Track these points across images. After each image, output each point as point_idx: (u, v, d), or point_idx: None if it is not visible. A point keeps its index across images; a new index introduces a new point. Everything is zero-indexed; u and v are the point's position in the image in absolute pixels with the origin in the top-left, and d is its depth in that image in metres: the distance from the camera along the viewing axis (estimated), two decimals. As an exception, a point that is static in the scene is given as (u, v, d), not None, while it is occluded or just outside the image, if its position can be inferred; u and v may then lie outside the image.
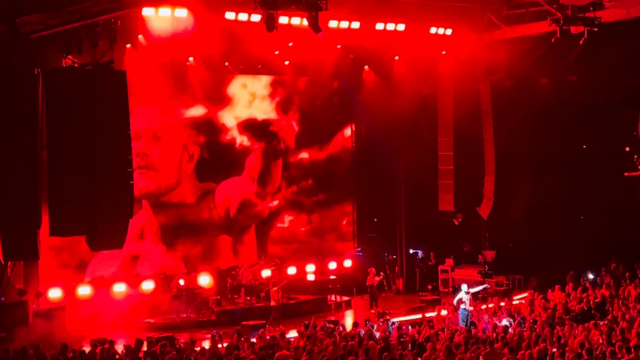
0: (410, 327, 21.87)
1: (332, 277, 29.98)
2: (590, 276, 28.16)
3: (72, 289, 24.70)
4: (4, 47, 21.24)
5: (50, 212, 21.49)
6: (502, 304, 25.10)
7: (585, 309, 23.30)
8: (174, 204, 28.16)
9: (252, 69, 29.06)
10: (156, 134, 27.67)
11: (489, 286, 25.50)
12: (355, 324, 21.92)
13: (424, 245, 32.24)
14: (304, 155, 31.14)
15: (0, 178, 21.13)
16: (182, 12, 22.37)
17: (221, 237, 29.28)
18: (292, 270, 29.02)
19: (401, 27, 26.19)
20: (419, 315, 24.62)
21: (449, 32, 27.15)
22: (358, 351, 17.13)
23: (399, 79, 30.18)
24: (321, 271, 30.18)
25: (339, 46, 27.91)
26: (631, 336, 18.05)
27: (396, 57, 29.82)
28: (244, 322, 24.35)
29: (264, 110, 30.18)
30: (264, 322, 24.33)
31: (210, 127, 28.88)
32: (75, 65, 22.10)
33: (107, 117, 21.58)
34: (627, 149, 31.92)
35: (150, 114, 27.46)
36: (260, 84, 29.99)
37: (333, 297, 28.87)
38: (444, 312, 24.18)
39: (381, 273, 28.74)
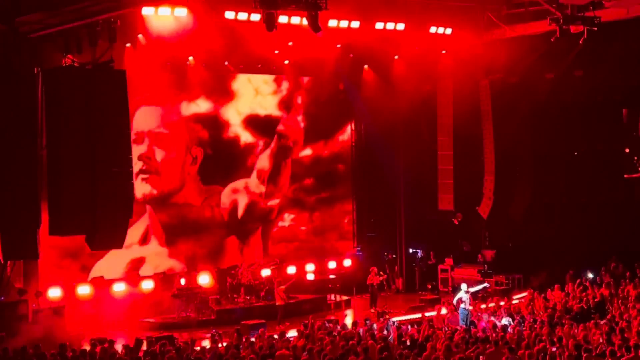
0: (409, 327, 21.86)
1: (331, 276, 29.97)
2: (590, 276, 28.16)
3: (72, 288, 24.70)
4: (3, 47, 21.28)
5: (50, 211, 21.49)
6: (502, 303, 25.09)
7: (585, 308, 23.31)
8: (178, 207, 28.13)
9: (252, 68, 29.06)
10: (159, 136, 27.62)
11: (489, 285, 25.51)
12: (354, 323, 21.93)
13: (423, 244, 32.24)
14: (304, 153, 31.12)
15: (0, 177, 21.14)
16: (181, 12, 22.36)
17: (228, 238, 29.28)
18: (291, 270, 29.02)
19: (401, 26, 26.19)
20: (419, 315, 24.60)
21: (448, 31, 27.14)
22: (357, 350, 17.14)
23: (398, 79, 30.20)
24: (321, 270, 30.18)
25: (338, 45, 27.92)
26: (631, 335, 18.06)
27: (396, 57, 29.81)
28: (243, 322, 24.34)
29: (267, 106, 30.19)
30: (263, 321, 24.33)
31: (213, 126, 28.83)
32: (75, 64, 22.09)
33: (107, 116, 21.56)
34: (627, 150, 31.93)
35: (152, 116, 27.46)
36: (262, 79, 29.97)
37: (333, 297, 28.87)
38: (443, 312, 24.19)
39: (381, 273, 28.73)
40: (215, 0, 22.82)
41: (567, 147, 31.46)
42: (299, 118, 30.97)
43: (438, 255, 31.61)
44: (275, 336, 20.30)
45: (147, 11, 22.32)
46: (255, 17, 22.26)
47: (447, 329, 21.52)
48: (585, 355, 15.99)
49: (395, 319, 24.27)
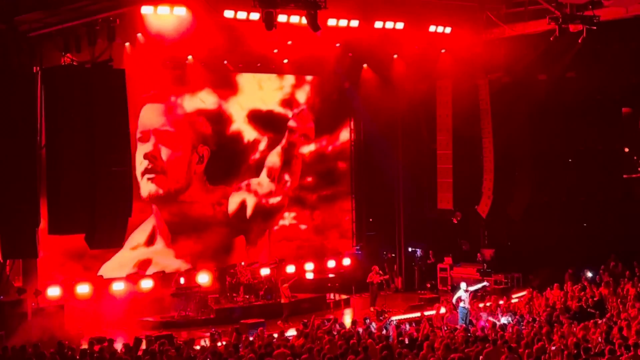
0: (408, 326, 21.86)
1: (330, 275, 29.98)
2: (589, 275, 28.16)
3: (71, 287, 24.71)
4: (2, 46, 21.29)
5: (49, 210, 21.51)
6: (501, 302, 25.10)
7: (585, 307, 23.32)
8: (184, 206, 28.18)
9: (251, 67, 29.06)
10: (165, 134, 27.65)
11: (488, 284, 25.53)
12: (353, 323, 21.93)
13: (422, 243, 32.23)
14: (304, 152, 31.16)
15: (-1, 176, 21.17)
16: (180, 11, 22.32)
17: (236, 238, 29.35)
18: (291, 269, 29.03)
19: (400, 25, 26.16)
20: (418, 314, 24.61)
21: (448, 30, 27.13)
22: (357, 349, 17.14)
23: (398, 77, 30.20)
24: (320, 269, 30.18)
25: (338, 44, 27.90)
26: (630, 334, 18.07)
27: (395, 56, 29.81)
28: (242, 321, 24.35)
29: (270, 103, 30.24)
30: (262, 320, 24.34)
31: (217, 122, 28.88)
32: (74, 63, 22.08)
33: (106, 115, 21.56)
34: (627, 149, 31.91)
35: (157, 113, 27.48)
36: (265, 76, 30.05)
37: (332, 296, 28.87)
38: (442, 311, 24.19)
39: (381, 272, 28.72)
40: (215, -1, 22.83)
41: (566, 146, 31.45)
42: (307, 115, 31.04)
43: (437, 254, 31.60)
44: (275, 335, 20.30)
45: (146, 10, 22.27)
46: (255, 16, 22.21)
47: (446, 328, 21.52)
48: (584, 354, 15.99)
49: (394, 318, 24.28)
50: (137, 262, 26.83)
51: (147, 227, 27.21)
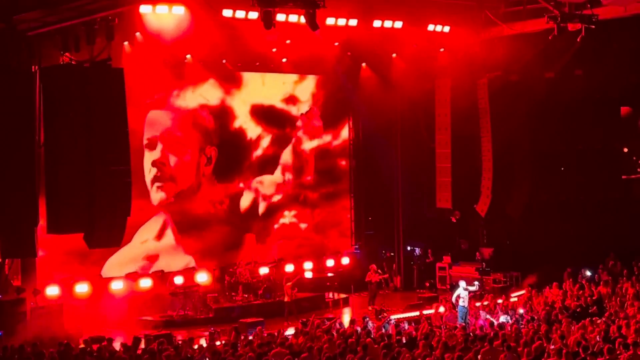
0: (407, 325, 21.86)
1: (329, 274, 29.98)
2: (588, 273, 28.15)
3: (70, 286, 24.70)
4: (1, 45, 21.26)
5: (48, 210, 21.50)
6: (500, 301, 25.10)
7: (584, 306, 23.33)
8: (194, 207, 28.35)
9: (250, 66, 29.05)
10: (171, 139, 27.79)
11: (478, 289, 25.36)
12: (352, 322, 21.93)
13: (421, 242, 32.24)
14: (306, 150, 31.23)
15: (-2, 175, 21.17)
16: (179, 10, 22.34)
17: (246, 235, 29.47)
18: (289, 268, 29.03)
19: (399, 24, 26.17)
20: (417, 313, 24.61)
21: (446, 29, 27.13)
22: (356, 348, 17.15)
23: (396, 76, 30.22)
24: (319, 268, 30.17)
25: (336, 43, 27.90)
26: (629, 333, 18.08)
27: (394, 55, 29.82)
28: (241, 320, 24.35)
29: (274, 99, 30.36)
30: (261, 319, 24.35)
31: (220, 118, 28.99)
32: (73, 62, 22.07)
33: (105, 114, 21.55)
34: (626, 149, 31.86)
35: (162, 120, 27.57)
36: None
37: (331, 295, 28.88)
38: (441, 310, 24.19)
39: (380, 271, 28.74)
40: (213, -2, 22.83)
41: (565, 144, 31.43)
42: (315, 113, 31.19)
43: (436, 253, 31.60)
44: (275, 334, 20.30)
45: (144, 9, 22.30)
46: (253, 15, 22.23)
47: (444, 327, 21.52)
48: (583, 353, 16.00)
49: (393, 316, 24.29)
50: (145, 256, 26.94)
51: (156, 224, 27.46)
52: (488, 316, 22.90)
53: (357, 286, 29.69)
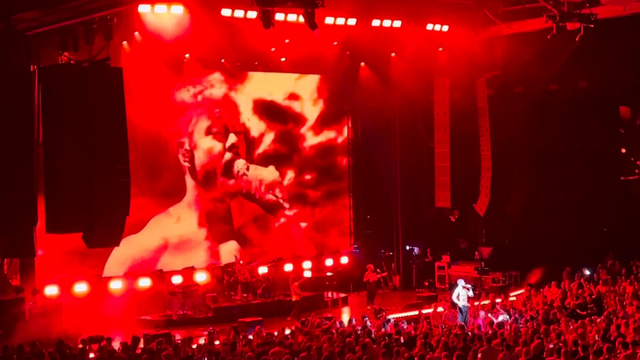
0: (406, 324, 21.86)
1: (328, 273, 29.98)
2: (587, 273, 28.15)
3: (69, 286, 24.70)
4: (0, 45, 21.21)
5: (47, 209, 21.48)
6: (498, 300, 25.10)
7: (583, 305, 23.33)
8: (217, 200, 28.88)
9: (249, 66, 29.05)
10: (194, 138, 28.32)
11: (473, 294, 25.33)
12: (351, 321, 21.93)
13: (420, 242, 32.26)
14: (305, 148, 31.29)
15: (-3, 175, 21.15)
16: (178, 9, 22.35)
17: (247, 234, 29.61)
18: (288, 267, 29.05)
19: (397, 23, 26.20)
20: (416, 312, 24.62)
21: (445, 28, 27.15)
22: (355, 348, 17.15)
23: (395, 76, 30.23)
24: (318, 268, 30.17)
25: (335, 43, 27.90)
26: (628, 332, 18.08)
27: (393, 54, 29.83)
28: (240, 319, 24.33)
29: (275, 96, 30.49)
30: (260, 318, 24.35)
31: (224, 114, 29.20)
32: (72, 62, 22.05)
33: (104, 114, 21.53)
34: (623, 150, 31.85)
35: (183, 122, 28.15)
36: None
37: (330, 294, 28.87)
38: (440, 309, 24.20)
39: (378, 270, 28.75)
40: (212, -3, 22.82)
41: (563, 143, 31.45)
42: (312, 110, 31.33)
43: (435, 252, 31.62)
44: (275, 333, 20.31)
45: (143, 9, 22.32)
46: (252, 14, 22.26)
47: (444, 326, 21.53)
48: (582, 352, 16.00)
49: (392, 316, 24.29)
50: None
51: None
52: (489, 314, 22.89)
53: (356, 285, 29.68)
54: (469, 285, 24.21)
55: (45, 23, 21.56)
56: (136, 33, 23.90)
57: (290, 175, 30.75)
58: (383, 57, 30.04)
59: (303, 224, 31.17)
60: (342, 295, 29.13)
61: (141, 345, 19.83)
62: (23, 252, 22.16)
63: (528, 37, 26.60)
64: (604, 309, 23.06)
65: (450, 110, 30.47)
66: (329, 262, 30.68)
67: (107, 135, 21.54)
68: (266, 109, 30.09)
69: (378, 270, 28.78)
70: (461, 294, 23.54)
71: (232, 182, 29.39)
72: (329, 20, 24.57)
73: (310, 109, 31.25)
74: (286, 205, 30.73)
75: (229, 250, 28.99)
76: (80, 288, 24.91)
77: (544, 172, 31.47)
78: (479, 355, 16.82)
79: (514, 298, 26.68)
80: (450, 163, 30.71)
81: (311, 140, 31.30)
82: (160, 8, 22.29)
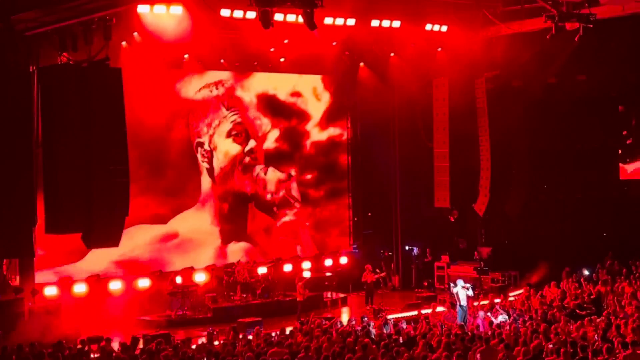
0: (405, 324, 21.86)
1: (327, 274, 29.97)
2: (586, 273, 28.14)
3: (68, 286, 24.69)
4: (-1, 45, 21.26)
5: (46, 210, 21.49)
6: (498, 300, 25.10)
7: (582, 305, 23.33)
8: (232, 197, 29.13)
9: (248, 66, 29.04)
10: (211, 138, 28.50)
11: (473, 294, 25.33)
12: (350, 321, 21.93)
13: (419, 242, 32.25)
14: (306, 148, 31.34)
15: (-4, 175, 21.14)
16: (177, 9, 22.34)
17: (249, 233, 29.66)
18: (287, 268, 29.05)
19: (396, 23, 26.19)
20: (415, 312, 24.61)
21: (444, 28, 27.15)
22: (354, 348, 17.15)
23: (394, 76, 30.27)
24: (317, 268, 30.16)
25: (334, 43, 27.90)
26: (627, 332, 18.09)
27: (392, 54, 29.84)
28: (240, 320, 24.33)
29: (279, 93, 30.52)
30: (259, 319, 24.35)
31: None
32: (71, 62, 22.06)
33: (103, 114, 21.54)
34: (620, 151, 31.77)
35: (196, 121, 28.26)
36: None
37: (329, 294, 28.87)
38: (439, 309, 24.19)
39: (377, 270, 28.74)
40: (211, -3, 22.82)
41: (562, 143, 31.46)
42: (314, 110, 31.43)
43: (434, 252, 31.61)
44: (273, 334, 20.30)
45: (142, 9, 22.30)
46: (251, 14, 22.26)
47: (443, 326, 21.52)
48: (581, 352, 16.00)
49: (391, 316, 24.28)
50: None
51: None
52: (489, 313, 22.89)
53: (355, 286, 29.67)
54: (468, 285, 24.20)
55: (45, 23, 21.56)
56: (135, 33, 23.89)
57: (294, 173, 30.77)
58: (382, 57, 30.05)
59: (305, 224, 31.13)
60: (342, 295, 29.13)
61: (140, 345, 19.82)
62: (22, 253, 22.16)
63: (527, 37, 26.61)
64: (603, 309, 23.06)
65: (450, 110, 30.45)
66: (328, 262, 30.67)
67: (106, 136, 21.54)
68: (270, 106, 30.09)
69: (377, 270, 28.78)
70: (460, 294, 23.52)
71: (249, 187, 29.52)
72: (328, 20, 24.56)
73: (312, 108, 31.23)
74: (297, 205, 30.76)
75: (237, 253, 29.02)
76: (79, 288, 24.90)
77: (543, 172, 31.48)
78: (478, 356, 16.84)
79: (513, 298, 26.67)
80: (450, 163, 30.69)
81: (313, 139, 31.26)
82: (160, 8, 22.27)
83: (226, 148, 28.93)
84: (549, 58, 28.40)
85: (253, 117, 29.64)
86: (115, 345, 19.60)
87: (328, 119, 31.65)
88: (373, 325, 21.14)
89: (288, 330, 20.92)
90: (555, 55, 27.93)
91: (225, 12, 23.08)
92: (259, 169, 29.75)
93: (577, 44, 23.89)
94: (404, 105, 31.36)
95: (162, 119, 27.25)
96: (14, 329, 21.60)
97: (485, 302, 24.96)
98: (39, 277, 24.25)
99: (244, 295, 27.26)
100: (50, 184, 21.40)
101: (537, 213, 31.42)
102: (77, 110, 21.30)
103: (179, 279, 26.54)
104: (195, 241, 28.12)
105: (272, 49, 27.80)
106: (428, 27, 26.89)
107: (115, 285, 25.65)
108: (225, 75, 28.82)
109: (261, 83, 29.77)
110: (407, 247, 32.35)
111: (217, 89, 28.70)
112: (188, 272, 27.17)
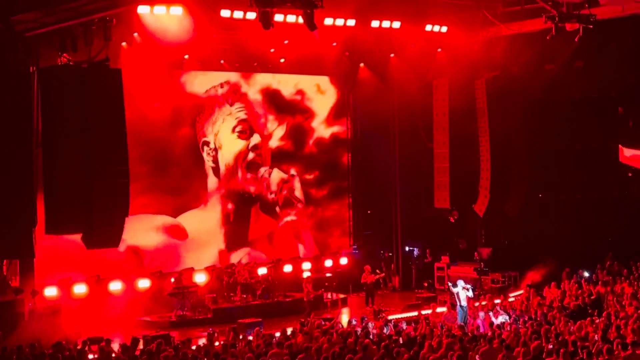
0: (405, 325, 21.87)
1: (327, 274, 29.97)
2: (586, 274, 28.12)
3: (68, 287, 24.68)
4: (-1, 46, 21.27)
5: (46, 210, 21.51)
6: (498, 301, 25.09)
7: (582, 305, 23.33)
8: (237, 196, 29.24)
9: (248, 67, 29.04)
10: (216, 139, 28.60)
11: (473, 295, 25.35)
12: (350, 322, 21.92)
13: (419, 242, 32.25)
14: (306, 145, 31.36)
15: (-4, 176, 21.15)
16: (177, 10, 22.34)
17: (251, 233, 29.65)
18: (288, 268, 29.05)
19: (396, 24, 26.20)
20: (415, 313, 24.61)
21: (444, 29, 27.15)
22: (354, 349, 17.14)
23: (394, 76, 30.28)
24: (317, 268, 30.16)
25: (334, 44, 27.92)
26: (627, 333, 18.09)
27: (392, 55, 29.84)
28: (240, 320, 24.32)
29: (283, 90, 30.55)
30: (259, 319, 24.34)
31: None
32: (71, 63, 22.07)
33: (103, 115, 21.58)
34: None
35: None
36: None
37: (329, 295, 28.86)
38: (439, 310, 24.19)
39: (377, 271, 28.73)
40: (211, -2, 22.84)
41: (562, 143, 31.45)
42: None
43: (434, 253, 31.60)
44: (276, 334, 20.30)
45: (142, 10, 22.29)
46: (251, 15, 22.27)
47: (444, 327, 21.51)
48: (581, 352, 16.01)
49: (391, 317, 24.28)
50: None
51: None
52: (490, 313, 22.89)
53: (355, 286, 29.67)
54: (468, 286, 24.20)
55: (45, 24, 21.57)
56: (135, 34, 23.91)
57: (294, 173, 30.78)
58: (382, 58, 30.06)
59: (307, 224, 31.14)
60: (342, 296, 29.12)
61: (140, 346, 19.82)
62: (22, 253, 22.16)
63: (527, 37, 26.62)
64: (603, 309, 23.06)
65: (450, 110, 30.44)
66: (328, 263, 30.66)
67: (106, 136, 21.58)
68: (275, 103, 30.13)
69: (377, 270, 28.77)
70: (461, 294, 23.52)
71: (253, 187, 29.54)
72: (328, 21, 24.56)
73: (316, 105, 31.25)
74: (300, 206, 30.76)
75: (239, 255, 29.05)
76: (80, 289, 24.89)
77: (543, 173, 31.45)
78: (478, 356, 16.84)
79: (513, 299, 26.67)
80: (450, 164, 30.68)
81: (316, 137, 31.25)
82: (160, 9, 22.27)
83: (231, 144, 28.94)
84: (549, 59, 28.41)
85: (258, 113, 29.64)
86: (116, 346, 19.59)
87: (331, 116, 31.62)
88: (373, 326, 21.15)
89: (289, 330, 20.93)
90: (555, 55, 27.93)
91: (225, 13, 23.09)
92: (263, 170, 29.72)
93: (577, 44, 23.91)
94: (404, 105, 31.37)
95: (164, 119, 27.30)
96: (14, 329, 21.58)
97: (486, 302, 24.97)
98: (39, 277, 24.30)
99: (244, 296, 27.26)
100: (50, 184, 21.42)
101: (537, 213, 31.41)
102: (77, 111, 21.33)
103: (175, 280, 26.42)
104: (198, 241, 28.12)
105: (272, 50, 27.81)
106: (428, 27, 26.89)
107: (116, 286, 25.64)
108: (228, 74, 28.80)
109: (265, 80, 29.76)
110: (407, 248, 32.34)
111: (221, 87, 28.73)
112: (188, 272, 27.16)
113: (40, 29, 21.71)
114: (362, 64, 30.89)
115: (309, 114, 31.11)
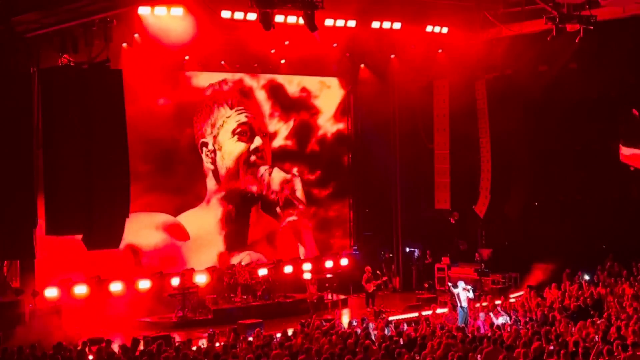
0: (406, 326, 21.86)
1: (328, 275, 29.95)
2: (586, 277, 28.08)
3: (69, 288, 24.68)
4: (-1, 46, 21.28)
5: (47, 211, 21.51)
6: (498, 302, 25.08)
7: (582, 306, 23.32)
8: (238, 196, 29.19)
9: (249, 68, 29.05)
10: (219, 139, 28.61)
11: (474, 296, 25.33)
12: (351, 323, 21.92)
13: (420, 243, 32.22)
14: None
15: (-3, 177, 21.16)
16: (178, 11, 22.36)
17: (252, 233, 29.66)
18: (288, 269, 29.04)
19: (397, 25, 26.20)
20: (416, 314, 24.60)
21: (445, 30, 27.16)
22: (354, 350, 17.14)
23: (395, 77, 30.29)
24: (317, 269, 30.14)
25: (335, 45, 27.92)
26: (627, 334, 18.08)
27: (392, 56, 29.85)
28: (240, 321, 24.32)
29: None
30: (260, 320, 24.33)
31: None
32: (71, 64, 22.08)
33: (103, 116, 21.58)
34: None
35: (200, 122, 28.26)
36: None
37: (329, 296, 28.84)
38: (439, 311, 24.18)
39: (378, 272, 28.69)
40: (212, -1, 22.85)
41: (563, 144, 31.44)
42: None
43: (435, 254, 31.57)
44: (277, 335, 20.30)
45: (143, 11, 22.31)
46: (252, 16, 22.28)
47: (444, 328, 21.50)
48: (582, 353, 16.00)
49: (392, 318, 24.26)
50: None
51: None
52: (491, 313, 22.89)
53: (355, 287, 29.65)
54: (469, 287, 24.18)
55: (45, 25, 21.58)
56: (136, 35, 23.92)
57: (295, 173, 30.78)
58: (383, 59, 30.08)
59: (308, 225, 31.13)
60: (342, 297, 29.11)
61: (141, 347, 19.81)
62: (23, 254, 22.17)
63: (528, 38, 26.62)
64: (604, 310, 23.05)
65: (450, 111, 30.47)
66: (328, 263, 30.65)
67: (106, 137, 21.58)
68: (278, 101, 30.12)
69: (378, 272, 28.73)
70: (461, 295, 23.51)
71: (254, 187, 29.51)
72: (328, 22, 24.57)
73: (320, 102, 31.26)
74: (301, 207, 30.74)
75: (240, 256, 29.03)
76: (80, 290, 24.88)
77: (543, 174, 31.45)
78: (479, 357, 16.83)
79: (513, 299, 26.65)
80: (450, 165, 30.71)
81: (319, 135, 31.25)
82: (160, 10, 22.28)
83: (231, 147, 28.90)
84: (549, 60, 28.41)
85: (262, 111, 29.63)
86: (116, 347, 19.58)
87: (334, 115, 31.60)
88: (374, 327, 21.14)
89: (290, 331, 20.92)
90: (555, 56, 27.93)
91: (226, 14, 23.10)
92: (263, 169, 29.70)
93: (577, 45, 23.91)
94: (405, 106, 31.37)
95: (165, 119, 27.28)
96: (15, 330, 21.58)
97: (486, 303, 24.97)
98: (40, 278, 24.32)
99: (245, 297, 27.25)
100: (50, 185, 21.42)
101: (537, 214, 31.41)
102: (78, 112, 21.34)
103: (179, 281, 26.42)
104: (198, 242, 28.10)
105: (272, 51, 27.81)
106: (429, 28, 26.90)
107: (116, 287, 25.63)
108: (229, 74, 28.79)
109: (267, 80, 29.76)
110: (408, 249, 32.32)
111: (225, 84, 28.70)
112: (188, 273, 27.16)
113: (41, 29, 21.72)
114: (362, 65, 30.90)
115: (314, 110, 31.10)
